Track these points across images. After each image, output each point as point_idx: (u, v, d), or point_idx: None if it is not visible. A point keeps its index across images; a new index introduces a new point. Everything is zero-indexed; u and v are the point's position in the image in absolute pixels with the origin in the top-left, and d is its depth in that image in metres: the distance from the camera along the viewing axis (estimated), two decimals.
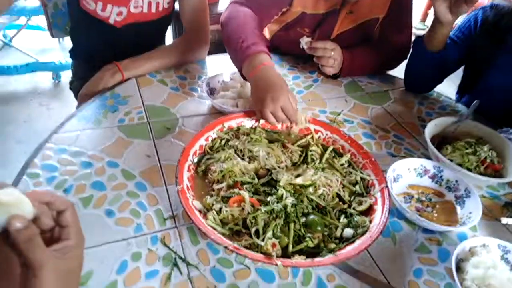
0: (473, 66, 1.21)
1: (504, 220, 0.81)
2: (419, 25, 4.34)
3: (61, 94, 2.77)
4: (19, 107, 2.60)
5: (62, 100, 2.70)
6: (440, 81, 1.26)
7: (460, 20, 1.21)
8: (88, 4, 1.12)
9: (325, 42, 1.20)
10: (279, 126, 0.99)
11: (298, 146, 0.96)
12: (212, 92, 1.14)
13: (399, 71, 1.36)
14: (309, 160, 0.91)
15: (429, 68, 1.19)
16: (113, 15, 1.15)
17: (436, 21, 1.07)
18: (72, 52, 1.42)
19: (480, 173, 0.92)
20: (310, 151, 0.94)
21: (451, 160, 0.93)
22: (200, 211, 0.76)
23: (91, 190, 0.81)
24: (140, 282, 0.66)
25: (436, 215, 0.84)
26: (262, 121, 0.98)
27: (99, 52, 1.23)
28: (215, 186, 0.82)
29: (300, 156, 0.93)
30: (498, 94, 1.13)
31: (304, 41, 1.21)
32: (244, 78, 1.06)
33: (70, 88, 1.48)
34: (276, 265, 0.65)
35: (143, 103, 1.08)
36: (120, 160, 0.89)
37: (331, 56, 1.20)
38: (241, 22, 1.10)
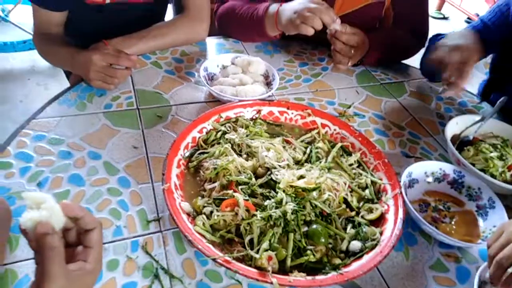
0: (507, 57, 1.08)
1: None
2: (434, 14, 4.16)
3: (59, 74, 2.64)
4: (15, 86, 2.51)
5: (60, 80, 2.59)
6: None
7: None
8: None
9: (352, 35, 1.04)
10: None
11: (302, 141, 0.87)
12: (210, 77, 1.04)
13: (414, 60, 1.24)
14: (314, 158, 0.82)
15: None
16: None
17: None
18: (66, 29, 1.31)
19: (506, 181, 0.82)
20: (316, 148, 0.84)
21: (473, 165, 0.83)
22: (188, 214, 0.67)
23: (68, 185, 0.73)
24: None
25: (454, 227, 0.75)
26: (264, 111, 0.89)
27: (90, 34, 1.13)
28: (207, 186, 0.73)
29: (304, 153, 0.83)
30: None
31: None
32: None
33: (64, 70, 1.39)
34: (271, 283, 0.57)
35: (133, 87, 0.98)
36: (103, 151, 0.80)
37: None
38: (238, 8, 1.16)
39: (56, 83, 2.58)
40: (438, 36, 1.07)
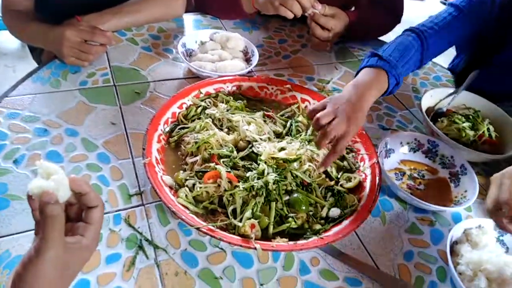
0: (486, 39, 1.09)
1: None
2: None
3: (29, 56, 2.55)
4: None
5: (30, 62, 2.48)
6: None
7: None
8: None
9: (330, 18, 1.06)
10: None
11: (282, 116, 0.88)
12: (188, 54, 1.02)
13: (389, 37, 1.26)
14: (294, 131, 0.83)
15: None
16: None
17: None
18: (36, 5, 1.25)
19: (477, 149, 0.86)
20: (296, 121, 0.85)
21: (447, 134, 0.86)
22: (171, 188, 0.68)
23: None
24: (99, 267, 0.58)
25: (429, 193, 0.78)
26: (244, 87, 0.89)
27: (61, 10, 1.08)
28: (189, 160, 0.73)
29: (285, 126, 0.84)
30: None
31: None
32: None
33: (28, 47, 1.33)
34: (255, 248, 0.58)
35: (109, 64, 0.96)
36: (80, 128, 0.78)
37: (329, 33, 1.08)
38: None
39: (25, 65, 2.46)
40: (372, 55, 0.89)
